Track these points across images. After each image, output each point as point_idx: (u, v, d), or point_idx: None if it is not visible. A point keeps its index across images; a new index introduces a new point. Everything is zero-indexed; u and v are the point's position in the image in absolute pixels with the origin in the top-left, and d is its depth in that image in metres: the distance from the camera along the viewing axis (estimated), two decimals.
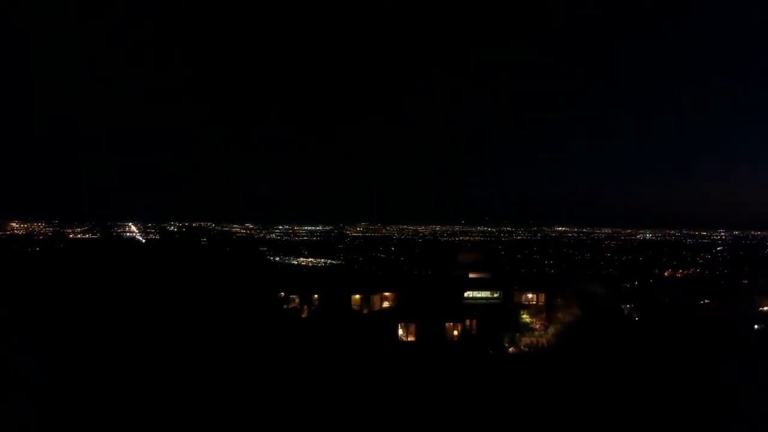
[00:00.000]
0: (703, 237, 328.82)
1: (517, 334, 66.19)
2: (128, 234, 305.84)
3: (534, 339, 66.49)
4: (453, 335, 63.12)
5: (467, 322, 63.09)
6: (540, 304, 72.69)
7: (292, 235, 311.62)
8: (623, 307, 70.64)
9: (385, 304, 66.25)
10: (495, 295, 69.99)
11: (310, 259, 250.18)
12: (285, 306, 64.55)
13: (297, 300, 65.26)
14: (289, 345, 57.53)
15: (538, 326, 68.32)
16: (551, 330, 66.71)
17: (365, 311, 64.99)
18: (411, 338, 61.76)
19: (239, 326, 56.70)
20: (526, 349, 65.68)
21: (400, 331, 62.55)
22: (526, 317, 69.24)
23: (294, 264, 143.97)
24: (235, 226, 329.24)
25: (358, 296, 65.33)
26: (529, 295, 72.47)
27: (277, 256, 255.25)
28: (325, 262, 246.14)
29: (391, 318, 62.39)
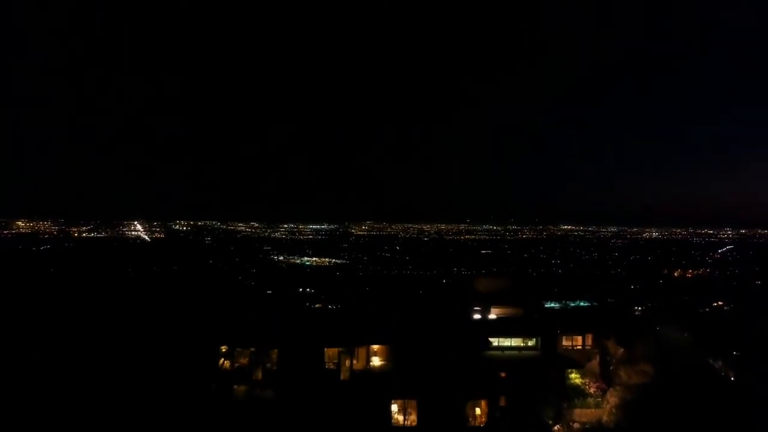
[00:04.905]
0: (710, 236, 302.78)
1: (565, 405, 42.36)
2: (134, 233, 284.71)
3: (589, 412, 42.68)
4: (474, 415, 39.61)
5: (495, 393, 39.53)
6: (587, 348, 48.50)
7: (297, 233, 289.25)
8: (714, 363, 46.59)
9: (375, 362, 42.58)
10: (530, 344, 46.05)
11: (314, 259, 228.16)
12: (227, 365, 41.25)
13: (246, 357, 42.00)
14: None
15: (593, 390, 44.40)
16: (612, 398, 42.81)
17: (344, 372, 41.53)
18: (411, 422, 38.32)
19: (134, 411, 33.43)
20: (579, 426, 41.95)
21: (395, 408, 39.17)
22: (576, 378, 45.28)
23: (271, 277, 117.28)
24: (240, 224, 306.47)
25: (335, 350, 41.90)
26: (577, 341, 48.49)
27: (281, 255, 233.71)
28: (329, 262, 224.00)
29: (381, 388, 38.99)
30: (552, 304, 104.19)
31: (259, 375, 41.08)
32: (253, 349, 41.64)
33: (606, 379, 45.25)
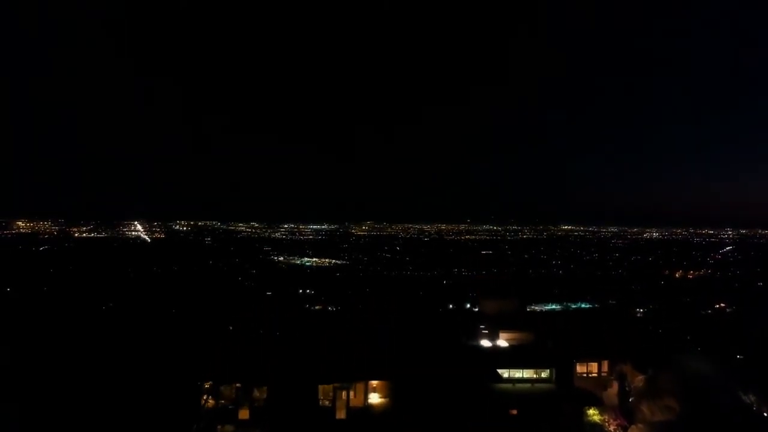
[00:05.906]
0: (711, 236, 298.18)
1: None
2: (134, 233, 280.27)
3: None
4: None
5: None
6: (603, 375, 44.11)
7: (297, 233, 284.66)
8: (745, 397, 42.21)
9: (374, 398, 38.28)
10: (544, 375, 41.71)
11: (314, 259, 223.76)
12: (211, 403, 36.97)
13: (232, 394, 37.74)
14: None
15: (612, 428, 39.95)
16: None
17: (340, 410, 37.25)
18: None
19: None
20: None
21: None
22: (594, 414, 40.88)
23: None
24: (240, 224, 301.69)
25: (329, 386, 37.64)
26: (592, 368, 44.11)
27: (281, 255, 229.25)
28: (329, 262, 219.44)
29: (382, 429, 34.71)
30: (553, 306, 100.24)
31: (246, 414, 36.61)
32: (239, 386, 37.20)
33: (626, 412, 40.71)
